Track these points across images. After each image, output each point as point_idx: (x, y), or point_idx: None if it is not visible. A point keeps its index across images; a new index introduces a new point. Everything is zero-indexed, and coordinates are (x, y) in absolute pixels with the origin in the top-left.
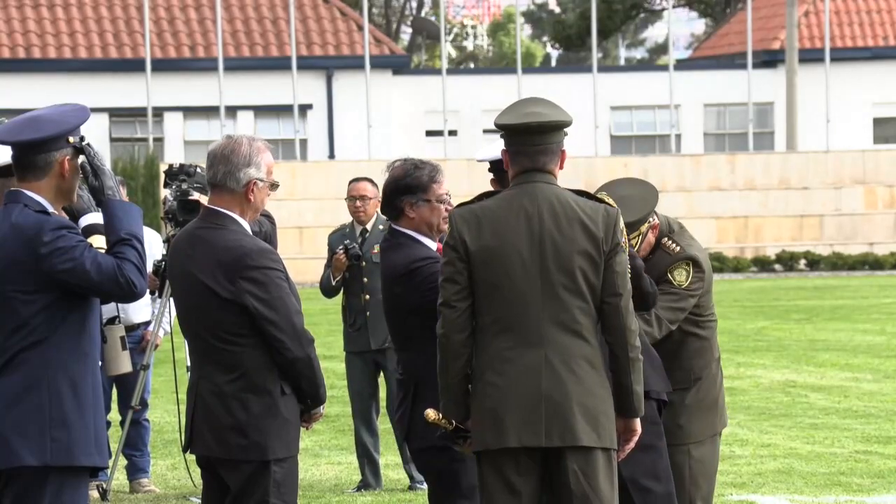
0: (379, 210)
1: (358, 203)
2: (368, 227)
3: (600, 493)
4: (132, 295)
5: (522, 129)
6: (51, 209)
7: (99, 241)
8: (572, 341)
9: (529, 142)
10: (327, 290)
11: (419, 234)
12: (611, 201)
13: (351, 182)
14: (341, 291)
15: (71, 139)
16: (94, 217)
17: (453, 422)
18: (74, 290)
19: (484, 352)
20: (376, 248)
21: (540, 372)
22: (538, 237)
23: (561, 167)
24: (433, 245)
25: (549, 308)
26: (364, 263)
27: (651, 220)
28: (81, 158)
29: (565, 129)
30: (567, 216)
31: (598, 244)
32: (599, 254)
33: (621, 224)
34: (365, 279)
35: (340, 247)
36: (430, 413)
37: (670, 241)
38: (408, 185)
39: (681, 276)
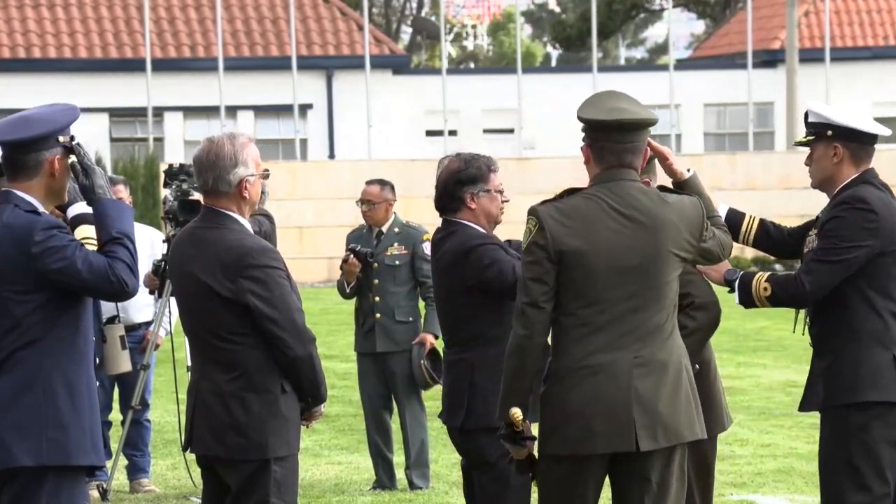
0: (396, 212)
1: (364, 207)
2: (384, 229)
3: (674, 489)
4: (124, 294)
5: (615, 125)
6: (41, 209)
7: (86, 232)
8: (657, 343)
9: (617, 139)
10: (342, 294)
11: (476, 224)
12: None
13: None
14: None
15: (61, 138)
16: (81, 207)
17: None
18: (67, 290)
19: (568, 354)
20: (389, 251)
21: (630, 375)
22: (629, 238)
23: (643, 167)
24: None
25: (638, 311)
26: (376, 265)
27: (646, 176)
28: (72, 158)
29: (650, 129)
30: (657, 215)
31: (688, 239)
32: (690, 249)
33: (703, 211)
34: (375, 280)
35: (347, 251)
36: (517, 412)
37: None
38: (469, 176)
39: None
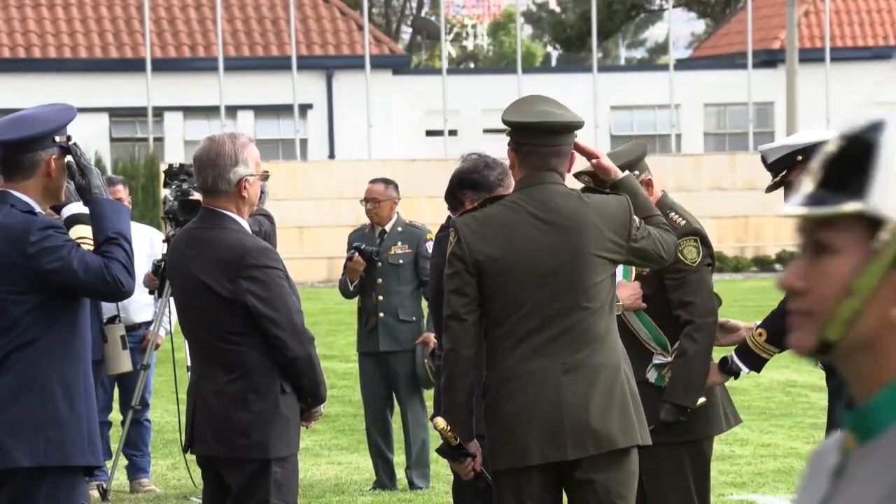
0: (399, 212)
1: (369, 206)
2: (387, 228)
3: (627, 498)
4: (119, 294)
5: (541, 128)
6: (38, 209)
7: (81, 231)
8: (589, 347)
9: (543, 142)
10: (345, 293)
11: None
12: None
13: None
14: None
15: (58, 138)
16: (77, 207)
17: (458, 438)
18: (63, 290)
19: (499, 365)
20: (393, 250)
21: (559, 382)
22: (548, 242)
23: (569, 170)
24: None
25: (564, 315)
26: (380, 264)
27: (643, 173)
28: (68, 158)
29: (576, 132)
30: (577, 218)
31: (613, 239)
32: (616, 249)
33: (630, 209)
34: (379, 280)
35: (351, 250)
36: (440, 421)
37: (676, 215)
38: (474, 181)
39: (691, 254)
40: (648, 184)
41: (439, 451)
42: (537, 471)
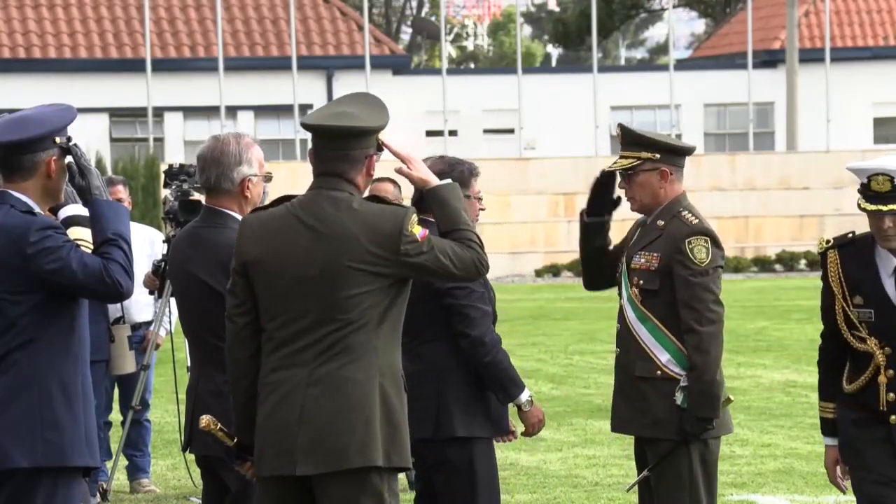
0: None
1: None
2: None
3: None
4: (118, 295)
5: (318, 131)
6: (37, 209)
7: (78, 233)
8: (340, 360)
9: (325, 146)
10: None
11: None
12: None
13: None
14: None
15: (57, 139)
16: (74, 209)
17: (235, 438)
18: (62, 291)
19: (262, 371)
20: None
21: (303, 394)
22: (305, 249)
23: (369, 174)
24: None
25: (316, 325)
26: None
27: (665, 166)
28: (68, 158)
29: (377, 135)
30: (336, 226)
31: (375, 252)
32: (377, 262)
33: (412, 219)
34: None
35: None
36: (204, 419)
37: (689, 214)
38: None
39: (701, 253)
40: (664, 175)
41: (225, 452)
42: (278, 482)
